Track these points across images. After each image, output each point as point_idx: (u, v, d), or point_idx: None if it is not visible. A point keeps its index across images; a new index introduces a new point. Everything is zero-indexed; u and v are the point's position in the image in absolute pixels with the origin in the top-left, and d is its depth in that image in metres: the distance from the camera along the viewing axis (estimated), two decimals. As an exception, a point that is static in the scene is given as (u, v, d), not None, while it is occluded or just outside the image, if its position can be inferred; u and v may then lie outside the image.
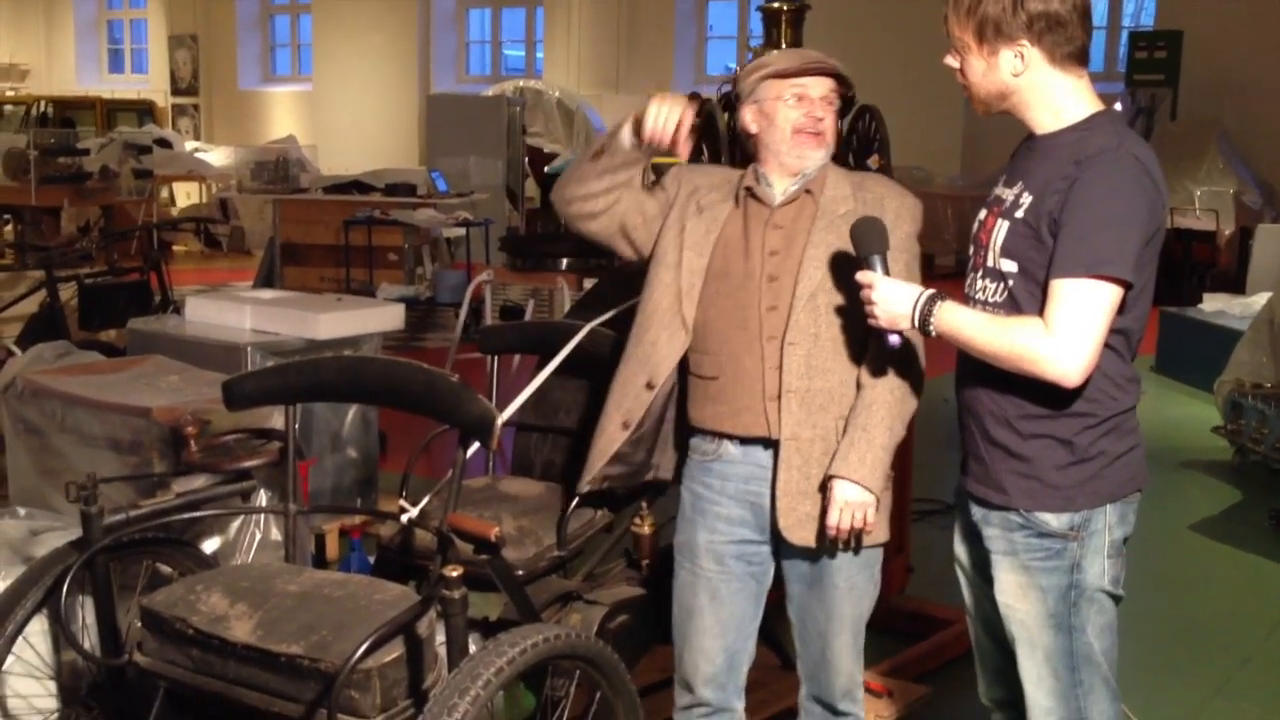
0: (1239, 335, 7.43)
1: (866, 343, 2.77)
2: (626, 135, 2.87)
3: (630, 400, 2.93)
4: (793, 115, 2.83)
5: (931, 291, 2.56)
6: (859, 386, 2.80)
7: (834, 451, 2.78)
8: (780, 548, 2.90)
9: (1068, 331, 2.39)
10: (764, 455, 2.85)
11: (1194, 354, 8.81)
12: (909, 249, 2.86)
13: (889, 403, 2.77)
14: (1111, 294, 2.39)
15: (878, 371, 2.78)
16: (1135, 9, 16.58)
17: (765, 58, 2.93)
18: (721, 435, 2.88)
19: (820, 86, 2.84)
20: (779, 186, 2.88)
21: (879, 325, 2.59)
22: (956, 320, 2.52)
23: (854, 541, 2.80)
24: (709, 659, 2.95)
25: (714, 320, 2.86)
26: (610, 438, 2.97)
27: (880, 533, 2.86)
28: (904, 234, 2.84)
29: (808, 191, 2.86)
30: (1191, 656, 4.62)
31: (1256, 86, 14.25)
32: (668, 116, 2.81)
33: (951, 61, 2.59)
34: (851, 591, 2.90)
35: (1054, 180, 2.44)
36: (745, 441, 2.86)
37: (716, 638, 2.94)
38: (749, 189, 2.90)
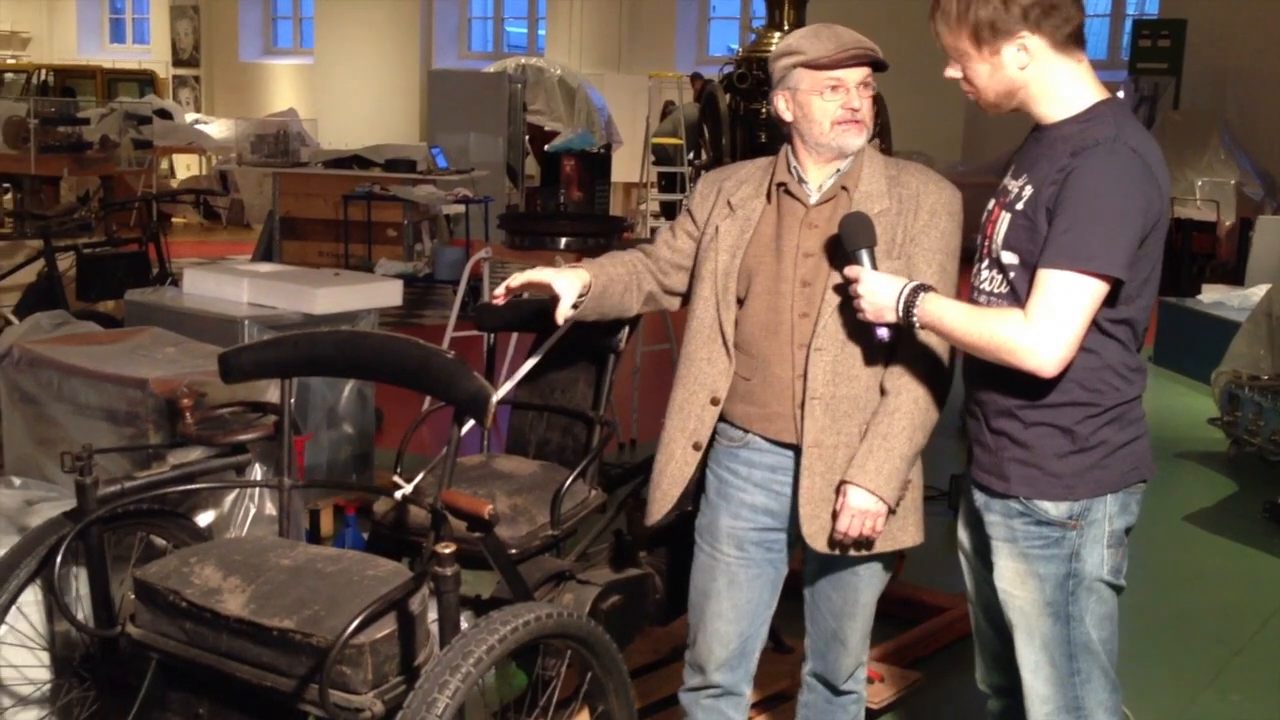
0: (1237, 327, 7.44)
1: (894, 348, 2.72)
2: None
3: (694, 421, 2.86)
4: (830, 108, 2.71)
5: (916, 284, 2.55)
6: (883, 392, 2.73)
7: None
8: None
9: (1047, 323, 2.37)
10: (791, 454, 2.81)
11: (1192, 345, 8.81)
12: (943, 249, 2.74)
13: (912, 412, 2.71)
14: (1095, 289, 2.38)
15: (903, 378, 2.72)
16: (1140, -3, 16.57)
17: (795, 40, 2.77)
18: (751, 432, 2.85)
19: (856, 74, 2.71)
20: (814, 181, 2.78)
21: (866, 319, 2.59)
22: (940, 311, 2.51)
23: (865, 548, 2.78)
24: (723, 643, 2.94)
25: (746, 321, 2.80)
26: (683, 462, 2.88)
27: (908, 536, 2.83)
28: (938, 233, 2.74)
29: (843, 188, 2.76)
30: (1184, 648, 4.63)
31: (1259, 77, 14.25)
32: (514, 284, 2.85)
33: (953, 73, 2.55)
34: (870, 577, 2.89)
35: (1051, 172, 2.43)
36: (774, 440, 2.83)
37: (732, 623, 2.92)
38: (782, 185, 2.80)
